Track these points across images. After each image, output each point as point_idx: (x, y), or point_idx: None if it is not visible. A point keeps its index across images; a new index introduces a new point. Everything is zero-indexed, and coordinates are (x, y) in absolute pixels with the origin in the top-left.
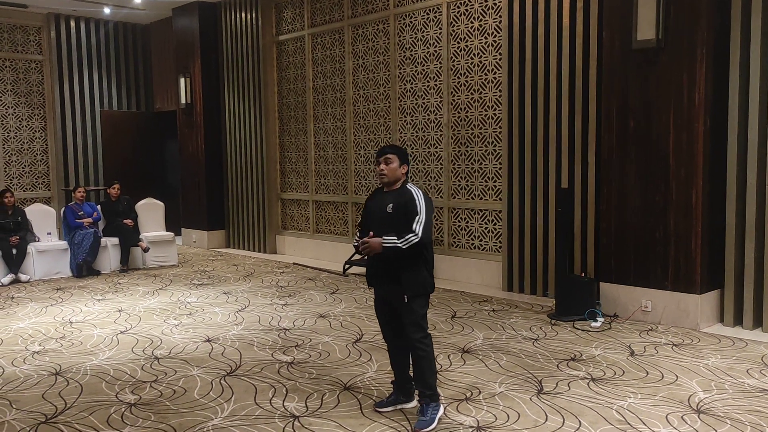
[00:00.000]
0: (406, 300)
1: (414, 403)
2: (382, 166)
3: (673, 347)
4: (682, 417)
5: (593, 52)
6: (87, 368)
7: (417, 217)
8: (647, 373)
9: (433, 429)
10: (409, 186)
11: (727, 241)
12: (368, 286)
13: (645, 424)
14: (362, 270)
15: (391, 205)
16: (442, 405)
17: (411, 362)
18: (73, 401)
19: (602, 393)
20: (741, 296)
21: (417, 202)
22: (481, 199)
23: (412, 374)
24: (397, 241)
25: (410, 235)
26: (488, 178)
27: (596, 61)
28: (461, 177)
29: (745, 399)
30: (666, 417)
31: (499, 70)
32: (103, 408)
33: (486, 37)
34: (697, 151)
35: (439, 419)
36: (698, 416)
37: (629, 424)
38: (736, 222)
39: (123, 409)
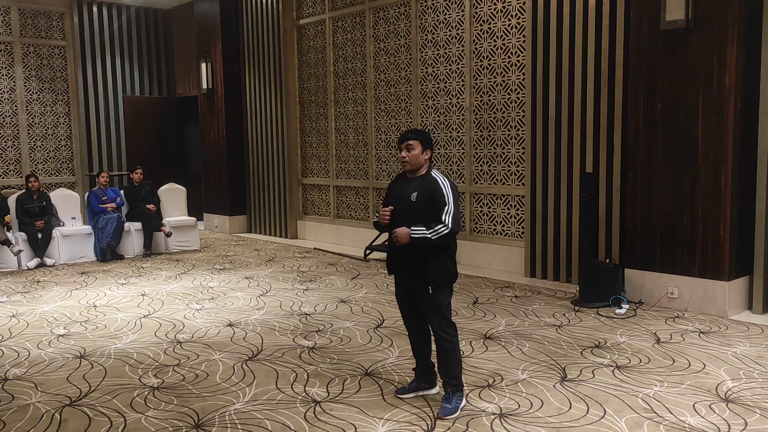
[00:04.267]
0: (430, 291)
1: (436, 390)
2: (404, 153)
3: (701, 335)
4: (709, 406)
5: (620, 34)
6: (111, 352)
7: (446, 208)
8: (673, 361)
9: (456, 417)
10: (434, 173)
11: (756, 227)
12: (389, 273)
13: (672, 413)
14: (384, 255)
15: (415, 194)
16: (464, 396)
17: (435, 350)
18: (97, 384)
19: (627, 381)
20: None
21: (444, 191)
22: (503, 184)
23: (434, 361)
24: (426, 232)
25: (440, 227)
26: (511, 162)
27: (623, 42)
28: (483, 162)
29: None
30: (693, 406)
31: (522, 52)
32: (127, 391)
33: (509, 19)
34: (727, 135)
35: (461, 409)
36: (726, 405)
37: (655, 412)
38: (767, 207)
39: (146, 393)
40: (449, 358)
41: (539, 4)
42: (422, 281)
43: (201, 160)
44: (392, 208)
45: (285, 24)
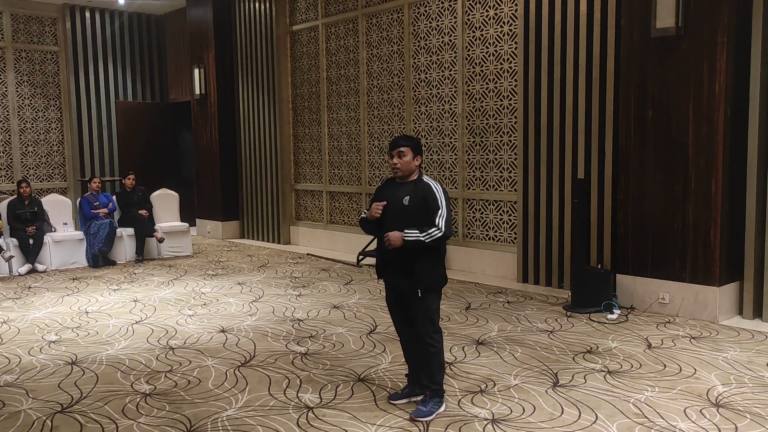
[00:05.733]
0: (419, 294)
1: None
2: (396, 160)
3: (691, 340)
4: (700, 411)
5: (611, 41)
6: (102, 358)
7: (439, 212)
8: (665, 366)
9: (428, 420)
10: (426, 178)
11: (747, 233)
12: (378, 277)
13: (663, 418)
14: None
15: (407, 198)
16: (444, 403)
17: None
18: (88, 391)
19: (619, 386)
20: (761, 288)
21: (437, 195)
22: (496, 189)
23: None
24: (420, 235)
25: (433, 230)
26: (503, 168)
27: (614, 49)
28: (476, 168)
29: (765, 393)
30: (684, 411)
31: (514, 59)
32: (119, 398)
33: (501, 26)
34: (717, 141)
35: (437, 415)
36: (717, 410)
37: (647, 417)
38: (757, 213)
39: (138, 399)
40: (432, 363)
41: (531, 12)
42: (412, 284)
43: (194, 166)
44: (385, 203)
45: (278, 30)
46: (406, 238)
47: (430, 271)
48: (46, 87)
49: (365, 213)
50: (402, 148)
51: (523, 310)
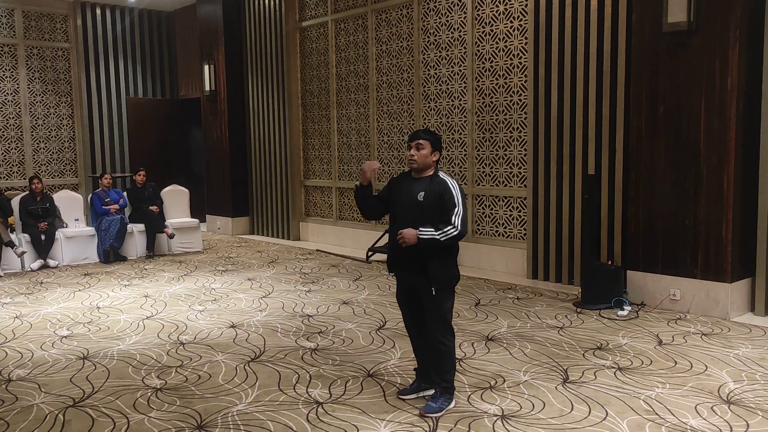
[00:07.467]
0: (434, 293)
1: None
2: (413, 152)
3: (703, 337)
4: (711, 408)
5: (622, 36)
6: (114, 353)
7: (455, 209)
8: (675, 362)
9: (438, 416)
10: (442, 175)
11: (759, 229)
12: (389, 272)
13: (673, 415)
14: (386, 257)
15: (422, 194)
16: (454, 400)
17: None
18: (100, 385)
19: (629, 383)
20: None
21: (454, 193)
22: (505, 185)
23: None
24: (435, 234)
25: (449, 228)
26: (513, 164)
27: (625, 44)
28: (485, 163)
29: None
30: (695, 407)
31: (524, 54)
32: (130, 392)
33: (511, 21)
34: (729, 137)
35: (447, 411)
36: (728, 407)
37: (657, 414)
38: None
39: (149, 394)
40: (443, 362)
41: (541, 7)
42: (426, 282)
43: (204, 162)
44: (378, 165)
45: (287, 26)
46: (421, 236)
47: (442, 269)
48: (58, 84)
49: (358, 185)
50: (421, 141)
51: (532, 307)
